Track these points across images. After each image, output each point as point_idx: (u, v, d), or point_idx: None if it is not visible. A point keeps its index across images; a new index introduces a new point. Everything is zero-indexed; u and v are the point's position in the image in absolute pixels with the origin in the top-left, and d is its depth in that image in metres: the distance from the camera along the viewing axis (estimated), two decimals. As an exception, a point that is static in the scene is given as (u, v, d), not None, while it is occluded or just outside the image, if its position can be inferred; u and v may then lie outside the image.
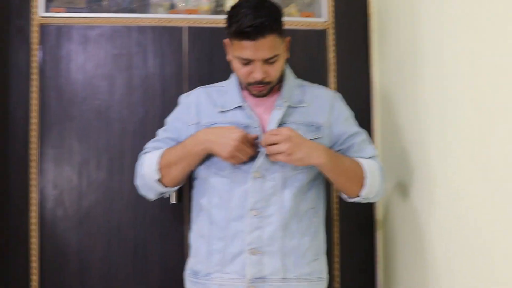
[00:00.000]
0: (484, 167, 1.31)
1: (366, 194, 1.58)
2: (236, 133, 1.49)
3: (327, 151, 1.52)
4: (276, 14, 1.53)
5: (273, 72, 1.55)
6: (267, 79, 1.55)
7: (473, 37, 1.36)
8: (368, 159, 1.61)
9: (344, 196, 1.65)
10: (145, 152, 1.67)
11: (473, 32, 1.36)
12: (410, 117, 1.80)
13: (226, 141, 1.49)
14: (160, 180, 1.59)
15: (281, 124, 1.58)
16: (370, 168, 1.58)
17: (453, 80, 1.48)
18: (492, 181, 1.28)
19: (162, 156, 1.58)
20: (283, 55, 1.58)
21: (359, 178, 1.56)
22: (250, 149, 1.52)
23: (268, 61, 1.53)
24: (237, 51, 1.53)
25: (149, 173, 1.59)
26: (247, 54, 1.50)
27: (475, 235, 1.36)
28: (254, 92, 1.59)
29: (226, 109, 1.61)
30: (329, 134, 1.62)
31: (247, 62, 1.53)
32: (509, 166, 1.20)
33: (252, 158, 1.54)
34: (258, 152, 1.54)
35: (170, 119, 1.72)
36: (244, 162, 1.54)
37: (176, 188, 1.66)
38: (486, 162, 1.30)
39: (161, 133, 1.70)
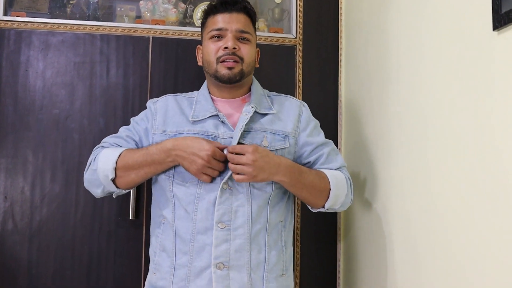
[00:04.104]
0: (451, 182, 1.31)
1: (330, 206, 1.57)
2: (207, 150, 1.43)
3: (289, 168, 1.49)
4: (250, 5, 1.64)
5: (245, 50, 1.57)
6: (238, 53, 1.55)
7: (443, 54, 1.36)
8: (335, 171, 1.59)
9: (309, 207, 1.63)
10: (102, 147, 1.60)
11: (443, 49, 1.36)
12: (376, 131, 1.80)
13: (196, 158, 1.43)
14: (113, 180, 1.52)
15: (249, 131, 1.53)
16: (336, 180, 1.56)
17: (421, 97, 1.48)
18: (457, 198, 1.28)
19: (121, 156, 1.51)
20: (254, 47, 1.62)
21: (323, 191, 1.54)
22: (221, 164, 1.46)
23: (240, 38, 1.57)
24: (210, 26, 1.58)
25: (104, 170, 1.51)
26: (221, 24, 1.56)
27: (436, 247, 1.36)
28: (223, 72, 1.54)
29: (199, 118, 1.55)
30: (295, 144, 1.59)
31: (219, 36, 1.56)
32: (473, 183, 1.21)
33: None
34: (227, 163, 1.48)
35: (135, 120, 1.66)
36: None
37: (126, 191, 1.60)
38: (451, 177, 1.30)
39: (123, 130, 1.64)
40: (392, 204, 1.65)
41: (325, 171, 1.57)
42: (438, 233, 1.36)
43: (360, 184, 1.90)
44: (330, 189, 1.54)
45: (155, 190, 1.62)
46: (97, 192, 1.59)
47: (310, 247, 2.10)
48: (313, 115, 1.70)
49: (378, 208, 1.76)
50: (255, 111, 1.57)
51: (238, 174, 1.44)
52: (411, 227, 1.51)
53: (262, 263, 1.51)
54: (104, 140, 1.63)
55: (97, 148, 1.61)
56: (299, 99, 2.10)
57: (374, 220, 1.78)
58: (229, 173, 1.47)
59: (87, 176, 1.58)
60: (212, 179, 1.49)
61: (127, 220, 1.95)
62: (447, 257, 1.31)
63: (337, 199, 1.56)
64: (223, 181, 1.47)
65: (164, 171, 1.54)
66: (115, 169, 1.51)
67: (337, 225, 2.12)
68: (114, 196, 1.63)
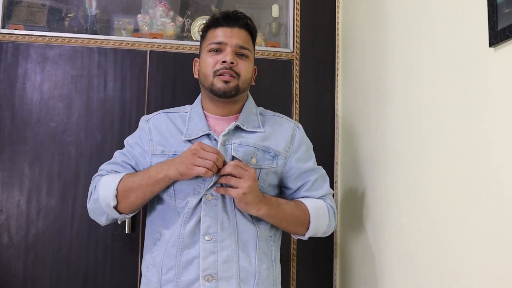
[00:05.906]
0: (448, 198, 1.31)
1: (311, 235, 1.59)
2: (194, 145, 1.43)
3: (268, 204, 1.49)
4: (252, 22, 1.63)
5: (242, 67, 1.56)
6: (235, 68, 1.54)
7: (439, 70, 1.37)
8: (317, 200, 1.59)
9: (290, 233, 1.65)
10: (100, 175, 1.59)
11: (440, 65, 1.37)
12: (373, 146, 1.80)
13: (186, 155, 1.43)
14: (115, 207, 1.51)
15: (242, 146, 1.53)
16: (317, 211, 1.56)
17: (417, 112, 1.48)
18: (455, 214, 1.27)
19: (121, 182, 1.50)
20: (252, 64, 1.62)
21: (302, 223, 1.56)
22: (211, 154, 1.40)
23: (238, 54, 1.56)
24: (210, 39, 1.57)
25: (105, 198, 1.50)
26: (221, 38, 1.55)
27: (433, 263, 1.36)
28: (219, 85, 1.53)
29: (192, 138, 1.54)
30: (283, 165, 1.59)
31: (218, 50, 1.55)
32: (470, 199, 1.21)
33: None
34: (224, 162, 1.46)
35: (129, 142, 1.64)
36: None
37: (130, 215, 1.59)
38: (448, 193, 1.30)
39: (118, 155, 1.62)
40: (388, 220, 1.65)
41: (306, 202, 1.57)
42: (435, 249, 1.36)
43: (357, 199, 1.90)
44: (309, 221, 1.55)
45: (155, 208, 1.59)
46: (102, 220, 1.58)
47: (307, 263, 2.10)
48: (310, 130, 1.69)
49: (374, 224, 1.76)
50: (243, 128, 1.56)
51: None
52: (408, 243, 1.51)
53: (252, 275, 1.50)
54: (101, 167, 1.62)
55: (95, 177, 1.60)
56: (295, 113, 2.10)
57: (371, 236, 1.78)
58: (212, 180, 1.47)
59: (89, 206, 1.57)
60: (211, 182, 1.47)
61: (124, 234, 1.94)
62: (444, 273, 1.31)
63: (318, 229, 1.58)
64: (207, 191, 1.47)
65: (165, 191, 1.53)
66: (116, 196, 1.50)
67: (333, 241, 2.12)
68: (119, 222, 1.62)
